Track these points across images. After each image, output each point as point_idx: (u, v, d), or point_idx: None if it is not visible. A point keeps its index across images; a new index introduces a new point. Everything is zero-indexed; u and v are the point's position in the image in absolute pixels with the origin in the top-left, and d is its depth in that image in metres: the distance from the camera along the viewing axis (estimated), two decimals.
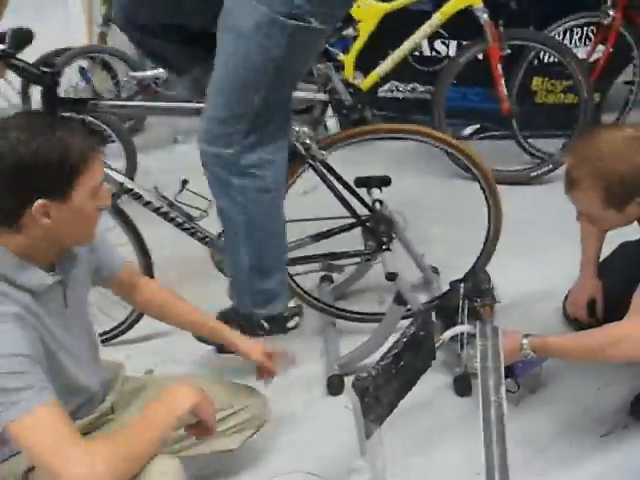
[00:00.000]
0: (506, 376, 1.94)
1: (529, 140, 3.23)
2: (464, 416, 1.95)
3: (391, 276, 1.90)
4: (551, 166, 3.09)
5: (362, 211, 2.15)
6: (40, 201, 1.24)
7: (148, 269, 2.13)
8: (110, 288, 1.68)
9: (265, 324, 1.98)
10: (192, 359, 2.17)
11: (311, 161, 1.96)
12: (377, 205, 2.16)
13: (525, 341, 1.73)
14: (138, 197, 1.97)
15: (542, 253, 2.62)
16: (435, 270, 2.52)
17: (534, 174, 3.11)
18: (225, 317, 1.99)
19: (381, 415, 1.68)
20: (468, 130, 3.56)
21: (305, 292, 2.21)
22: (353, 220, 2.05)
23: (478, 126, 3.52)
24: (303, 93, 3.37)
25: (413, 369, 1.76)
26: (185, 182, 1.95)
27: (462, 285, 1.98)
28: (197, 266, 2.35)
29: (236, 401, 1.71)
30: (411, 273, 2.44)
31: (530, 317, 2.31)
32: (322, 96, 3.40)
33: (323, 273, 2.43)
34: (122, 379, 1.65)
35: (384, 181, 2.25)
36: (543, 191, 3.10)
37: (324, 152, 1.97)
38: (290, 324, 2.01)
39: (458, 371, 2.04)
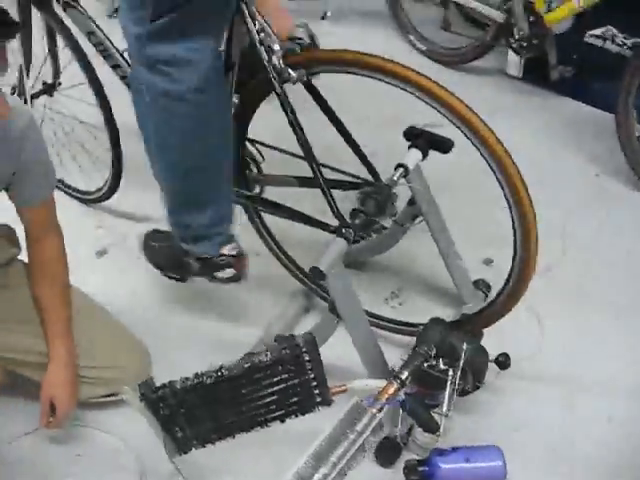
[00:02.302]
0: None
1: None
2: None
3: (316, 273, 1.33)
4: None
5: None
6: None
7: (114, 139, 1.88)
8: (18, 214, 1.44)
9: (194, 264, 1.58)
10: None
11: (274, 74, 1.38)
12: (398, 172, 1.53)
13: None
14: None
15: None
16: (484, 287, 1.81)
17: None
18: (156, 238, 1.64)
19: (191, 439, 1.30)
20: None
21: (275, 243, 1.72)
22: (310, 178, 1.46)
23: None
24: (477, 3, 2.64)
25: (262, 407, 1.31)
26: None
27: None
28: None
29: (109, 356, 1.50)
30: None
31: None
32: (496, 14, 2.61)
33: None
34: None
35: (442, 145, 1.57)
36: None
37: (292, 71, 1.36)
38: (220, 274, 1.57)
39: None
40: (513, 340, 1.68)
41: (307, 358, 1.25)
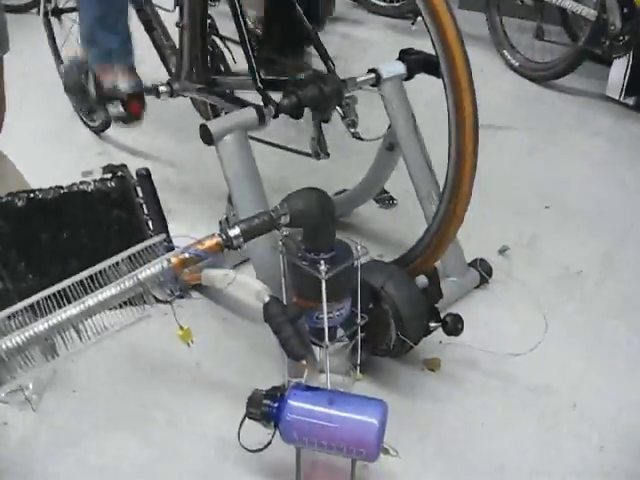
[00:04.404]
0: None
1: None
2: None
3: (204, 133, 1.07)
4: None
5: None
6: None
7: None
8: None
9: (91, 89, 1.49)
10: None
11: None
12: (366, 76, 1.30)
13: None
14: None
15: None
16: (485, 270, 1.45)
17: None
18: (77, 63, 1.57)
19: (13, 297, 1.07)
20: None
21: None
22: None
23: None
24: (570, 2, 2.29)
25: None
26: None
27: None
28: None
29: None
30: None
31: None
32: (588, 12, 2.24)
33: None
34: None
35: (435, 67, 1.30)
36: None
37: None
38: (112, 109, 1.48)
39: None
40: (507, 334, 1.33)
41: (140, 198, 0.99)
